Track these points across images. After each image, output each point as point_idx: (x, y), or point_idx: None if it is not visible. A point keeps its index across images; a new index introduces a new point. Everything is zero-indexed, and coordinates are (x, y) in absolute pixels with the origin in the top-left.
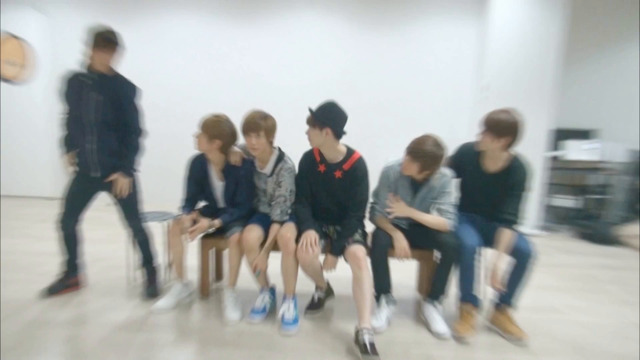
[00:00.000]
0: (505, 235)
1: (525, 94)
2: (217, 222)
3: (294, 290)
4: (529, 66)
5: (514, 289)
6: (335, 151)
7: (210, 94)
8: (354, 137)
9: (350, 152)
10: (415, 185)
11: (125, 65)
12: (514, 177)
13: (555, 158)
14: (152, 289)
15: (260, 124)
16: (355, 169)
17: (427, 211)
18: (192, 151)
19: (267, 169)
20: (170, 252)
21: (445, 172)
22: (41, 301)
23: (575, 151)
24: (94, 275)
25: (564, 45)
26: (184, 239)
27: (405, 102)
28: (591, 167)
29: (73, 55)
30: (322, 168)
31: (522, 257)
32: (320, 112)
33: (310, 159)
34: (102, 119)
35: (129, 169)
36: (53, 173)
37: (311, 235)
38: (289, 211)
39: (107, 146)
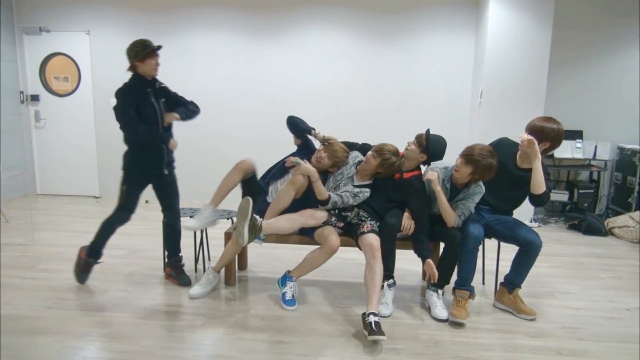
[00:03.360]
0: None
1: (518, 98)
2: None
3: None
4: (520, 73)
5: (523, 273)
6: (411, 164)
7: (233, 101)
8: (359, 139)
9: (417, 169)
10: (454, 190)
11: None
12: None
13: (546, 156)
14: (186, 277)
15: (383, 160)
16: (412, 183)
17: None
18: (218, 152)
19: (359, 184)
20: (223, 180)
21: (482, 186)
22: (85, 289)
23: (564, 150)
24: (131, 267)
25: (550, 53)
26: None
27: (407, 107)
28: (579, 165)
29: (110, 69)
30: (396, 175)
31: (531, 247)
32: (433, 143)
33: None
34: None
35: (185, 113)
36: (96, 174)
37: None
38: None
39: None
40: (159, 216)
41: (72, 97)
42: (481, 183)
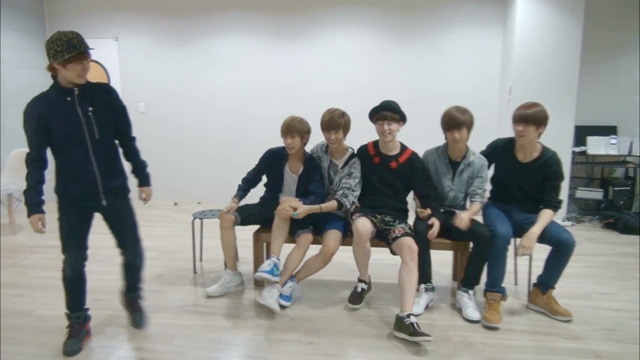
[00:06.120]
0: (548, 215)
1: (549, 94)
2: (300, 204)
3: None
4: (550, 68)
5: (557, 273)
6: (395, 143)
7: (255, 103)
8: None
9: (404, 147)
10: (453, 164)
11: (182, 81)
12: (552, 167)
13: (578, 153)
14: (142, 316)
15: (340, 122)
16: (414, 161)
17: (466, 187)
18: (242, 154)
19: (341, 161)
20: (221, 243)
21: (483, 158)
22: (118, 290)
23: (597, 146)
24: (161, 268)
25: (582, 46)
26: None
27: (434, 105)
28: (613, 161)
29: (138, 74)
30: (377, 160)
31: (564, 247)
32: (399, 109)
33: (365, 154)
34: (100, 136)
35: (149, 178)
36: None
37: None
38: (354, 200)
39: (115, 170)
40: (188, 218)
41: None
42: (479, 154)
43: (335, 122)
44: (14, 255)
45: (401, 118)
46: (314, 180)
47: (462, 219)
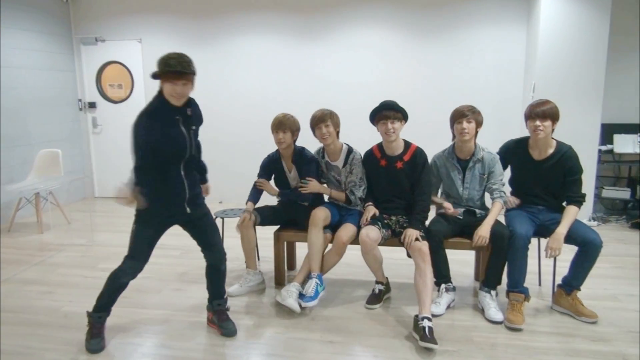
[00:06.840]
0: (573, 212)
1: (574, 91)
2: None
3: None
4: (576, 65)
5: (583, 274)
6: (399, 142)
7: (279, 101)
8: (408, 137)
9: (408, 144)
10: (462, 163)
11: (205, 81)
12: (569, 162)
13: (605, 151)
14: (231, 325)
15: (327, 117)
16: (417, 157)
17: (480, 185)
18: (264, 154)
19: (340, 162)
20: (241, 243)
21: (493, 152)
22: (141, 288)
23: (625, 144)
24: (183, 266)
25: (608, 42)
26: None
27: (456, 104)
28: None
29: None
30: (383, 162)
31: (591, 247)
32: (400, 107)
33: (371, 157)
34: (194, 152)
35: (207, 176)
36: None
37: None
38: (362, 195)
39: (195, 179)
40: None
41: (126, 103)
42: (489, 150)
43: (323, 116)
44: (41, 253)
45: (403, 116)
46: (302, 172)
47: (482, 236)
